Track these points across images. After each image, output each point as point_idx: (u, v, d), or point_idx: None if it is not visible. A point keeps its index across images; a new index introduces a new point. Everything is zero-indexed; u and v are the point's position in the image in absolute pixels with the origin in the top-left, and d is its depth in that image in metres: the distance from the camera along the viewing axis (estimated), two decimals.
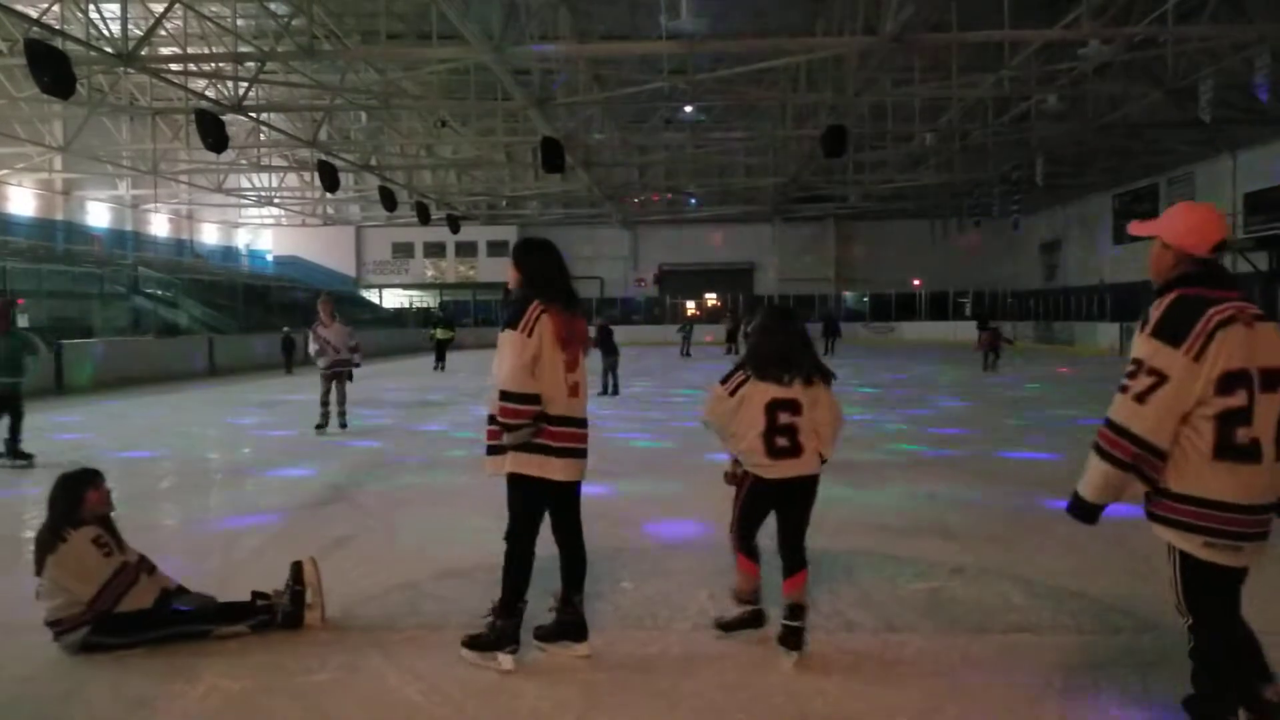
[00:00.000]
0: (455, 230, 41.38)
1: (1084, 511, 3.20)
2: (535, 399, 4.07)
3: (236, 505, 8.29)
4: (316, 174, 27.57)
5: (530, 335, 4.06)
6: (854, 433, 10.19)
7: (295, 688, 4.05)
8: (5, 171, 31.90)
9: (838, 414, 4.43)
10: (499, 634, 4.20)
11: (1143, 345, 3.02)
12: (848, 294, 51.43)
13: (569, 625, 4.36)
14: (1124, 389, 3.04)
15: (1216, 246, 3.13)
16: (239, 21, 21.81)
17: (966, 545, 6.30)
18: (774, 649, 4.34)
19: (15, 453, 9.85)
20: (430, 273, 52.29)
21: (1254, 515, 2.99)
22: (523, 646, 4.26)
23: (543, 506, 4.26)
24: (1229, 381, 2.95)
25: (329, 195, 33.85)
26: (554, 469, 4.16)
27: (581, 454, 4.28)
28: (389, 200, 32.39)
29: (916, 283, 49.14)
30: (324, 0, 20.86)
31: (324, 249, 51.23)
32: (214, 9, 22.07)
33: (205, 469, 10.32)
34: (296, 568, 4.80)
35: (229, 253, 49.90)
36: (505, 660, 4.17)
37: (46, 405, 16.12)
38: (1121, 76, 24.01)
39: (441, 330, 29.30)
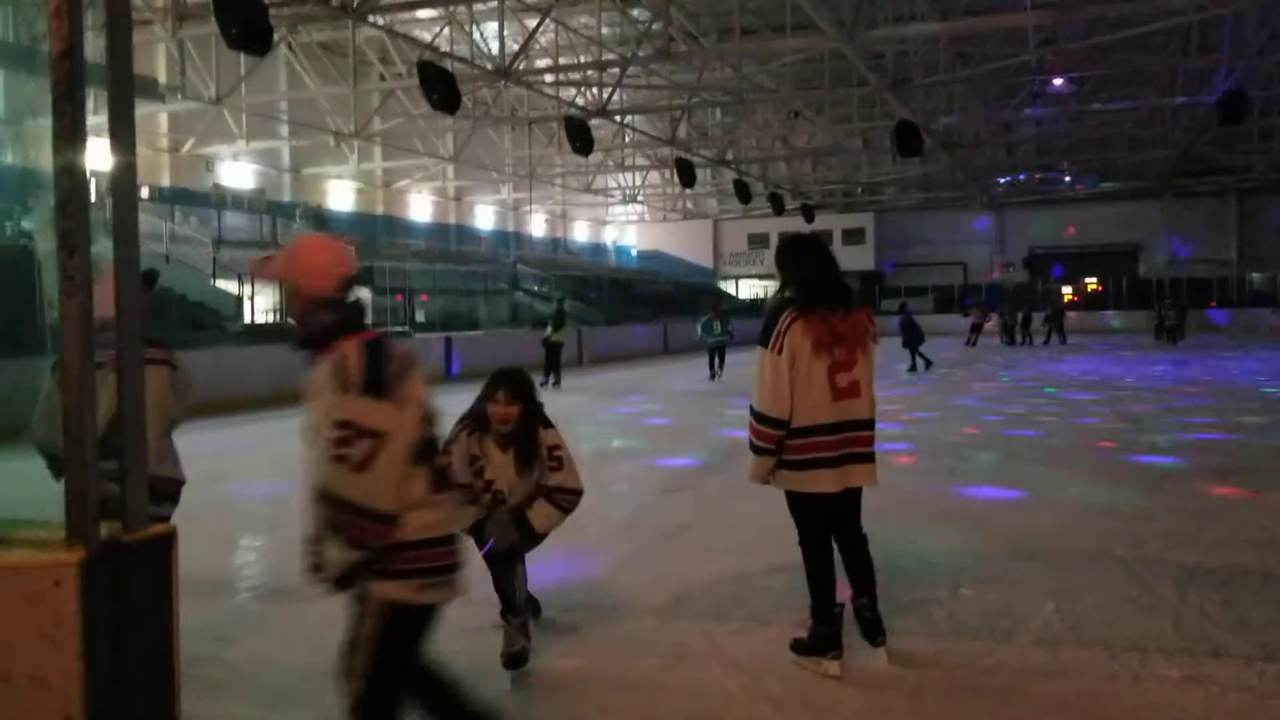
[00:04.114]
0: (810, 219, 41.32)
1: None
2: (782, 424, 3.92)
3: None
4: (675, 171, 28.70)
5: (781, 352, 3.90)
6: None
7: (622, 673, 4.16)
8: (406, 181, 36.13)
9: None
10: (818, 639, 4.09)
11: (349, 406, 2.53)
12: (1255, 275, 45.23)
13: (865, 628, 4.15)
14: (339, 459, 2.51)
15: (345, 282, 2.73)
16: (603, 30, 23.15)
17: None
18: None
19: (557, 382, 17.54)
20: None
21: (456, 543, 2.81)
22: (852, 651, 4.11)
23: (820, 515, 4.07)
24: (426, 416, 2.73)
25: (687, 190, 35.12)
26: (822, 481, 3.96)
27: (849, 460, 3.98)
28: (744, 193, 33.01)
29: None
30: (681, 2, 21.60)
31: (683, 242, 53.15)
32: (581, 21, 23.59)
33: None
34: None
35: (598, 249, 53.19)
36: (831, 666, 4.03)
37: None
38: None
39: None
